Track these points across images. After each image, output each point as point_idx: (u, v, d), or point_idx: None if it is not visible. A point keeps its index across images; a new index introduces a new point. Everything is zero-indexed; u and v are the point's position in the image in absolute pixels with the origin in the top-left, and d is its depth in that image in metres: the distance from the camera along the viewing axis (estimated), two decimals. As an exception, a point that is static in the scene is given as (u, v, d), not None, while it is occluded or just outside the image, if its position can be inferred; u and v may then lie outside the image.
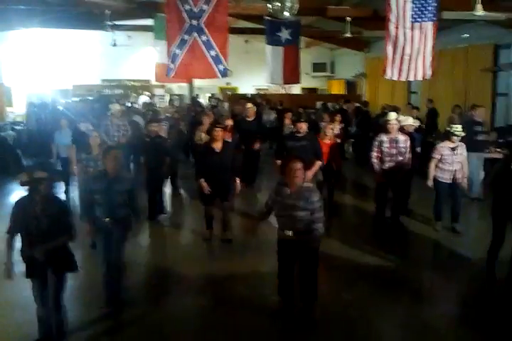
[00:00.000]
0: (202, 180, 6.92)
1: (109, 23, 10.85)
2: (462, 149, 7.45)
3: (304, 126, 7.78)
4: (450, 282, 5.97)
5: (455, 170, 7.41)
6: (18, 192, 10.87)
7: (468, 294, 5.72)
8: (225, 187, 7.05)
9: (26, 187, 4.27)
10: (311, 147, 7.65)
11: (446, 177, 7.45)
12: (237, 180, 7.10)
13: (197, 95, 19.92)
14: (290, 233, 4.68)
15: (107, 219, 5.05)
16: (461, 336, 4.76)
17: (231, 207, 7.91)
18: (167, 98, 19.70)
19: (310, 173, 7.09)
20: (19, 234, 4.32)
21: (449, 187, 7.51)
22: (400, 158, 7.44)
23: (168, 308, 5.23)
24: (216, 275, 6.03)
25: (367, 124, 12.84)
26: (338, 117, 10.96)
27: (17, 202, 4.34)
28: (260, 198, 9.43)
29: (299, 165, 4.61)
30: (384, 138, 7.47)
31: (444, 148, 7.41)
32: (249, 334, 4.72)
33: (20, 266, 4.36)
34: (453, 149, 7.37)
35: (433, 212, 7.73)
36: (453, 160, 7.36)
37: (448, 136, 7.45)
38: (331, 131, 8.45)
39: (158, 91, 20.51)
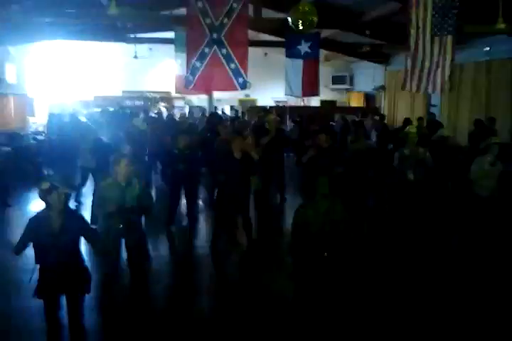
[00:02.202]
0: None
1: (131, 35, 11.02)
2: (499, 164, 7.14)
3: (322, 138, 7.85)
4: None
5: (493, 186, 7.08)
6: (38, 201, 11.03)
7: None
8: (242, 198, 7.08)
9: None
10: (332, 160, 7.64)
11: (485, 194, 7.09)
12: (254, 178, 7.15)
13: (216, 108, 20.01)
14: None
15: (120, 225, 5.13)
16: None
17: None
18: (186, 110, 19.85)
19: None
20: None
21: (486, 204, 7.09)
22: None
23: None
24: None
25: (386, 137, 12.76)
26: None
27: (32, 218, 4.16)
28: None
29: (326, 179, 4.65)
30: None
31: (484, 162, 7.08)
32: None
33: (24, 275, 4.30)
34: (492, 164, 7.07)
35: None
36: (494, 175, 7.05)
37: (486, 148, 7.16)
38: None
39: (178, 103, 20.70)
